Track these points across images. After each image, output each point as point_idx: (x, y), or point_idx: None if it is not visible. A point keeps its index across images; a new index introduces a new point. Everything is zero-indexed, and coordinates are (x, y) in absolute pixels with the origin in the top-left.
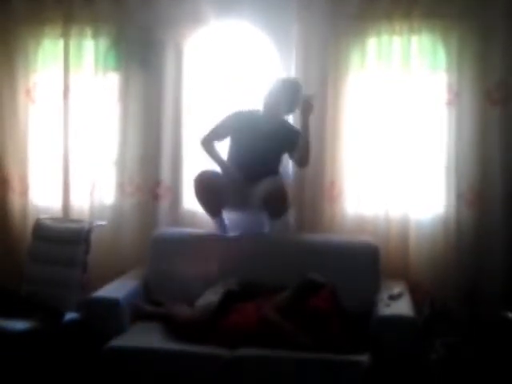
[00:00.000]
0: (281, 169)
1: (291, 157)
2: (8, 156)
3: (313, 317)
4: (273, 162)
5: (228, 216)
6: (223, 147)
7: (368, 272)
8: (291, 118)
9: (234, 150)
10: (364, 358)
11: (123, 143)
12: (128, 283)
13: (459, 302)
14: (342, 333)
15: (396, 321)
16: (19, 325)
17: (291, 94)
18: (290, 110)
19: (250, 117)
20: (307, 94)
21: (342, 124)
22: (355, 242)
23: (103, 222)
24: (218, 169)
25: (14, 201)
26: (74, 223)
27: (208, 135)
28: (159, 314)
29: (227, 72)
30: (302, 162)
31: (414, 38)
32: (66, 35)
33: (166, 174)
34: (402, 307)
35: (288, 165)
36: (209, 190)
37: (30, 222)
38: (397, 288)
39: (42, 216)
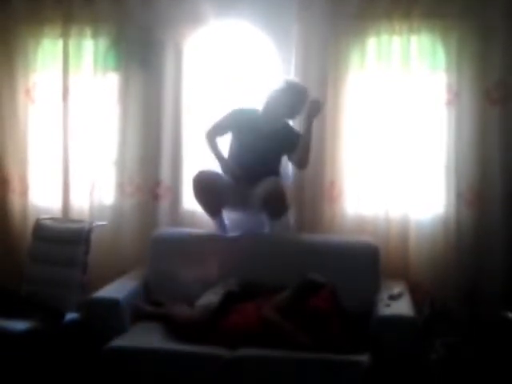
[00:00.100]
0: (281, 170)
1: (290, 158)
2: (8, 156)
3: (313, 317)
4: (273, 163)
5: (228, 216)
6: (224, 146)
7: (368, 272)
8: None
9: (235, 149)
10: (364, 358)
11: (123, 143)
12: (128, 283)
13: (459, 302)
14: (342, 333)
15: (396, 321)
16: (19, 325)
17: (294, 99)
18: (291, 115)
19: (251, 115)
20: (316, 97)
21: (342, 124)
22: (355, 242)
23: (103, 223)
24: (217, 167)
25: (14, 201)
26: (74, 223)
27: (211, 129)
28: (159, 314)
29: (227, 72)
30: (300, 163)
31: (414, 38)
32: (65, 35)
33: (165, 174)
34: (402, 307)
35: (288, 166)
36: (208, 189)
37: (30, 223)
38: (397, 288)
39: (42, 216)
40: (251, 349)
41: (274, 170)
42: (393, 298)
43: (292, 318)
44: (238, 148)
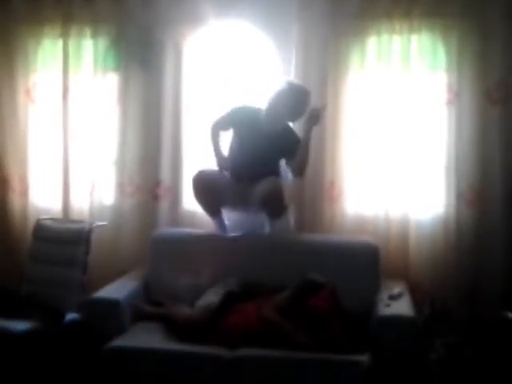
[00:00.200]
0: (281, 170)
1: (288, 164)
2: (8, 156)
3: (313, 317)
4: (273, 163)
5: (228, 216)
6: (227, 143)
7: (368, 272)
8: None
9: (236, 147)
10: (364, 358)
11: (123, 143)
12: (128, 283)
13: (459, 301)
14: (342, 333)
15: (396, 321)
16: (20, 325)
17: (296, 101)
18: (292, 117)
19: (253, 114)
20: (318, 105)
21: (342, 124)
22: (355, 242)
23: (103, 223)
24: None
25: (14, 201)
26: (74, 224)
27: (215, 123)
28: (159, 314)
29: (227, 72)
30: (297, 171)
31: (414, 38)
32: (65, 35)
33: (165, 174)
34: (402, 307)
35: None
36: (208, 189)
37: (30, 223)
38: (397, 288)
39: (42, 216)
40: (251, 349)
41: (273, 170)
42: (393, 297)
43: (292, 317)
44: (238, 146)
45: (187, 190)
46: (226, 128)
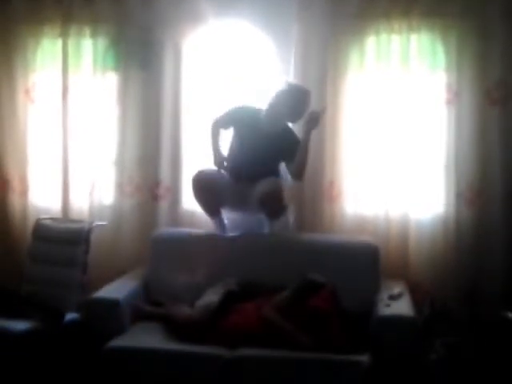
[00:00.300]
0: (281, 170)
1: (287, 167)
2: (8, 156)
3: (313, 317)
4: (272, 163)
5: (227, 216)
6: (226, 142)
7: (368, 272)
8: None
9: (235, 146)
10: (364, 358)
11: (122, 143)
12: (128, 283)
13: (459, 301)
14: (342, 333)
15: (396, 321)
16: (20, 325)
17: (296, 101)
18: (292, 117)
19: (253, 114)
20: (317, 108)
21: (342, 123)
22: (355, 242)
23: (103, 223)
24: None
25: (14, 201)
26: (73, 223)
27: (216, 121)
28: (159, 314)
29: (226, 72)
30: (296, 173)
31: (413, 37)
32: (65, 35)
33: (165, 174)
34: (402, 307)
35: None
36: (207, 189)
37: (30, 223)
38: (397, 288)
39: (42, 216)
40: (251, 349)
41: (273, 170)
42: (393, 297)
43: (292, 317)
44: (238, 146)
45: (187, 189)
46: (226, 127)
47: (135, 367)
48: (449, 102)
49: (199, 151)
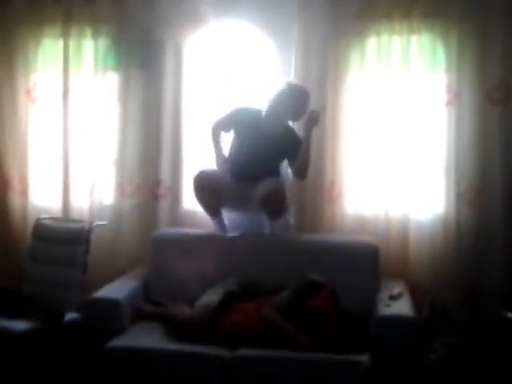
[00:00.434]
0: (282, 170)
1: (291, 166)
2: (8, 156)
3: (313, 317)
4: (273, 163)
5: (228, 216)
6: (228, 143)
7: (368, 272)
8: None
9: (236, 147)
10: (364, 358)
11: (123, 143)
12: (128, 283)
13: (459, 302)
14: (342, 333)
15: (396, 321)
16: (20, 325)
17: (296, 101)
18: (293, 117)
19: (253, 115)
20: (316, 107)
21: (342, 124)
22: (355, 241)
23: (103, 222)
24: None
25: (14, 201)
26: (74, 223)
27: (217, 123)
28: (159, 314)
29: (227, 72)
30: (299, 173)
31: (414, 38)
32: (65, 35)
33: (165, 174)
34: (402, 307)
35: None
36: (208, 189)
37: (30, 222)
38: (397, 288)
39: (42, 216)
40: (251, 349)
41: (274, 170)
42: (393, 297)
43: (292, 317)
44: (239, 147)
45: (187, 189)
46: (226, 128)
47: (135, 367)
48: (449, 103)
49: (200, 151)
